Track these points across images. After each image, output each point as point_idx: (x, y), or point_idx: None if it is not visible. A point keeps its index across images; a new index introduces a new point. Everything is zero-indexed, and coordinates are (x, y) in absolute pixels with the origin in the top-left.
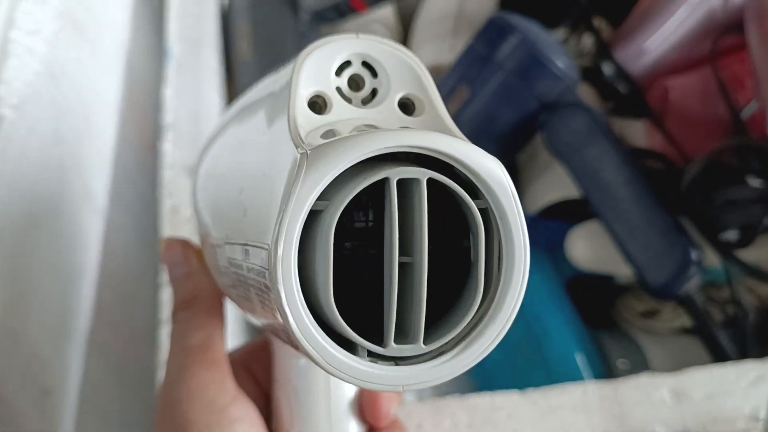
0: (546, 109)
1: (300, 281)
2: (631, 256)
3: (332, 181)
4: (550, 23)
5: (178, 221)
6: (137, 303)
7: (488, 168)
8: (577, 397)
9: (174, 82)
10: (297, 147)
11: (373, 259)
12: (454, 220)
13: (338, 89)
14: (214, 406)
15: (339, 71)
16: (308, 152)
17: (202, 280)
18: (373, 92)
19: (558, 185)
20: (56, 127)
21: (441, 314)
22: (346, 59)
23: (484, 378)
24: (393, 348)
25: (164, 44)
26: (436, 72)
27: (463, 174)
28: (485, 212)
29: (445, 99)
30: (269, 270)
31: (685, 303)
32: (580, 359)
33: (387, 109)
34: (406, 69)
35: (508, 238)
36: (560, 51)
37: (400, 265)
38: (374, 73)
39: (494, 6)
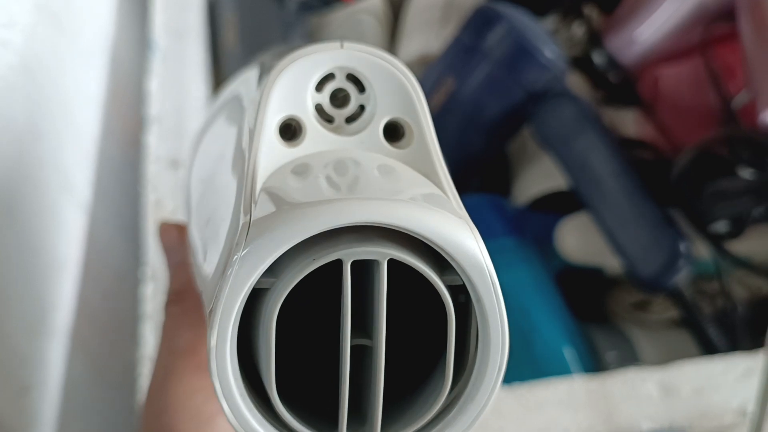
0: (534, 100)
1: (247, 352)
2: (621, 248)
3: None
4: (540, 12)
5: (161, 215)
6: (120, 298)
7: (462, 246)
8: (563, 393)
9: (159, 74)
10: (244, 211)
11: (333, 333)
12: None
13: (318, 107)
14: (200, 416)
15: (320, 86)
16: (250, 224)
17: None
18: (361, 108)
19: (547, 177)
20: (33, 121)
21: (415, 388)
22: (328, 72)
23: None
24: None
25: (149, 36)
26: (424, 62)
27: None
28: (462, 288)
29: (431, 91)
30: (207, 350)
31: (674, 295)
32: (568, 353)
33: (369, 136)
34: (397, 87)
35: (484, 323)
36: (548, 40)
37: (363, 347)
38: (361, 88)
39: None
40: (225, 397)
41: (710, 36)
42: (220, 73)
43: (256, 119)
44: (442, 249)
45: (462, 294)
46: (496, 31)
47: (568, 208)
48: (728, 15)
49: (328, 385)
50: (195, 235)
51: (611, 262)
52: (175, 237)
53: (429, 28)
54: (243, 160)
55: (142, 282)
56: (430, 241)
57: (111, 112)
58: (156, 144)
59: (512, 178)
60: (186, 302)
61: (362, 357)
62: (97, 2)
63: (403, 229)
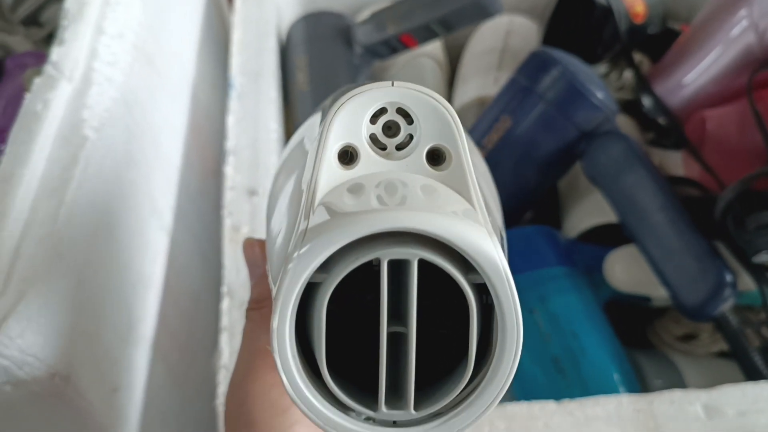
0: (585, 138)
1: (304, 336)
2: (667, 279)
3: (336, 251)
4: (591, 59)
5: (237, 238)
6: (196, 316)
7: (480, 248)
8: (612, 410)
9: (236, 111)
10: (304, 218)
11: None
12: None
13: (372, 136)
14: (276, 407)
15: (374, 118)
16: (308, 229)
17: None
18: (410, 137)
19: (596, 211)
20: (129, 149)
21: (448, 374)
22: (381, 107)
23: (522, 392)
24: (384, 413)
25: (228, 76)
26: (481, 104)
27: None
28: (487, 290)
29: (488, 128)
30: (270, 330)
31: (720, 323)
32: (616, 377)
33: (414, 161)
34: (439, 118)
35: (501, 315)
36: (599, 83)
37: (400, 334)
38: (410, 120)
39: (537, 42)
40: (284, 371)
41: (755, 80)
42: (291, 112)
43: (318, 145)
44: (462, 249)
45: (489, 296)
46: (551, 73)
47: (616, 241)
48: None
49: (373, 367)
50: (268, 248)
51: (658, 292)
52: (258, 252)
53: (486, 73)
54: (307, 181)
55: (222, 297)
56: (452, 243)
57: (190, 145)
58: (232, 174)
59: (562, 212)
60: (265, 309)
61: (401, 344)
62: (182, 46)
63: (429, 233)
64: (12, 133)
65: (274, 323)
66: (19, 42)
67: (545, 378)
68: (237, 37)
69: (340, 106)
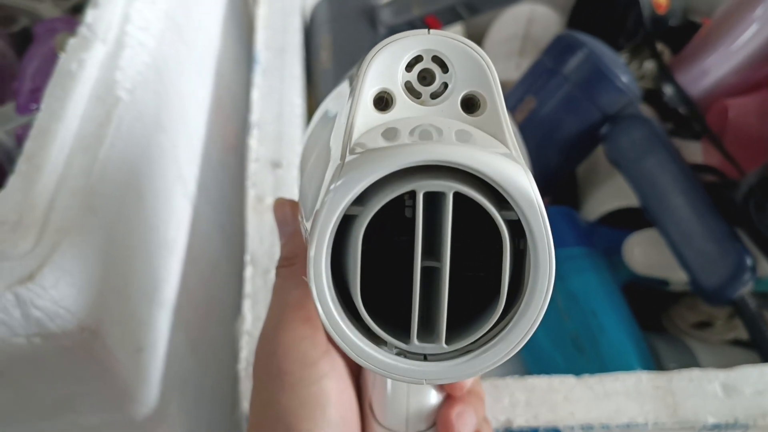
0: (608, 121)
1: (340, 275)
2: (687, 262)
3: (372, 186)
4: (613, 49)
5: (261, 209)
6: (215, 287)
7: (515, 181)
8: (631, 385)
9: (260, 86)
10: (341, 158)
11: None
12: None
13: (408, 84)
14: (306, 359)
15: (410, 66)
16: (344, 164)
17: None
18: (444, 85)
19: (616, 195)
20: (158, 115)
21: (481, 312)
22: (416, 55)
23: (539, 370)
24: (416, 345)
25: (250, 55)
26: (502, 88)
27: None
28: (521, 233)
29: (513, 109)
30: (307, 259)
31: (738, 306)
32: (635, 357)
33: (449, 107)
34: (474, 65)
35: (534, 251)
36: (624, 67)
37: (433, 268)
38: (445, 68)
39: (560, 29)
40: (319, 300)
41: None
42: (314, 89)
43: (355, 90)
44: (497, 182)
45: (522, 240)
46: (576, 55)
47: (635, 225)
48: None
49: (405, 306)
50: (302, 191)
51: (676, 276)
52: (288, 211)
53: (508, 58)
54: (343, 124)
55: (245, 265)
56: (488, 177)
57: (213, 119)
58: (256, 146)
59: (581, 196)
60: (295, 266)
61: (434, 281)
62: (208, 20)
63: (465, 166)
64: (47, 90)
65: (311, 252)
66: (48, 9)
67: (563, 356)
68: (262, 13)
69: (377, 51)
